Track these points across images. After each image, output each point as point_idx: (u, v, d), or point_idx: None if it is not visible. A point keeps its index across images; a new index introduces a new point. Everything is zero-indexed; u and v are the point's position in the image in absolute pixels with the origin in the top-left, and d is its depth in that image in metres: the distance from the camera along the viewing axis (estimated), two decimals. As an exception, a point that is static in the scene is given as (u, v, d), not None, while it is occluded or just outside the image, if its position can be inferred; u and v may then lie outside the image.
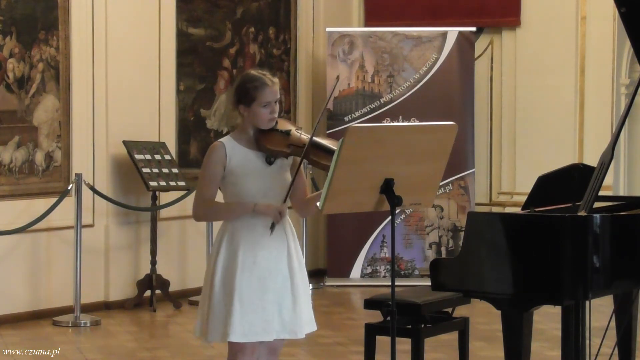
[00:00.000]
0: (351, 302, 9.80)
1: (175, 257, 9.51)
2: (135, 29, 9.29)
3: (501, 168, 11.06)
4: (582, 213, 4.92)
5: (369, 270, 10.53)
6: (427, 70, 10.53)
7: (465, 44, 10.57)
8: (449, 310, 6.09)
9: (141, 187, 9.07)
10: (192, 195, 9.03)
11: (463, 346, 6.13)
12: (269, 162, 4.78)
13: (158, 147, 9.34)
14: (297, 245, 4.90)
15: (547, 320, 7.94)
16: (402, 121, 10.30)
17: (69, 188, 8.62)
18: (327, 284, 10.41)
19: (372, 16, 11.28)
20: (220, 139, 4.86)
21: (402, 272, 10.44)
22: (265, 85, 4.74)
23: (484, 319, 8.05)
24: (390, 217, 4.52)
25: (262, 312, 4.71)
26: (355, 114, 10.50)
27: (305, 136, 4.77)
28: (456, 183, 10.51)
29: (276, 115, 4.79)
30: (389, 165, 4.48)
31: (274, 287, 4.75)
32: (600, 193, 5.13)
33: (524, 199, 5.54)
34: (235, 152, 4.76)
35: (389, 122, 10.19)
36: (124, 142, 9.10)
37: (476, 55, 10.85)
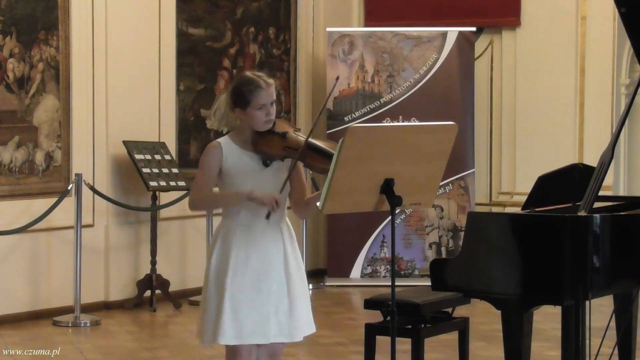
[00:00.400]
0: (351, 302, 9.80)
1: (175, 257, 9.51)
2: (135, 29, 9.29)
3: (501, 168, 11.07)
4: (582, 213, 4.92)
5: (369, 270, 10.54)
6: (427, 70, 10.53)
7: (465, 44, 10.57)
8: (449, 310, 6.09)
9: (141, 187, 9.07)
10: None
11: (463, 346, 6.13)
12: (265, 164, 4.76)
13: (158, 147, 9.34)
14: (294, 246, 4.86)
15: (547, 320, 7.94)
16: (402, 121, 10.29)
17: (69, 188, 8.62)
18: (327, 284, 10.41)
19: (372, 16, 11.28)
20: (218, 139, 4.84)
21: (402, 272, 10.44)
22: (259, 88, 4.71)
23: (484, 319, 8.05)
24: (390, 217, 4.52)
25: (255, 313, 4.67)
26: (355, 114, 10.50)
27: (302, 138, 4.73)
28: (456, 183, 10.51)
29: (272, 117, 4.76)
30: (389, 165, 4.48)
31: (269, 289, 4.71)
32: (600, 193, 5.14)
33: (524, 199, 5.54)
34: (231, 153, 4.75)
35: (389, 122, 10.19)
36: (124, 142, 9.10)
37: (476, 55, 10.85)
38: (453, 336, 6.20)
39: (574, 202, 5.36)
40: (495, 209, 10.75)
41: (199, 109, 9.91)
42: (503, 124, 11.05)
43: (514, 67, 10.96)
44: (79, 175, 8.60)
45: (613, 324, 5.62)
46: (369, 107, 10.53)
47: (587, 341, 5.13)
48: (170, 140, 9.59)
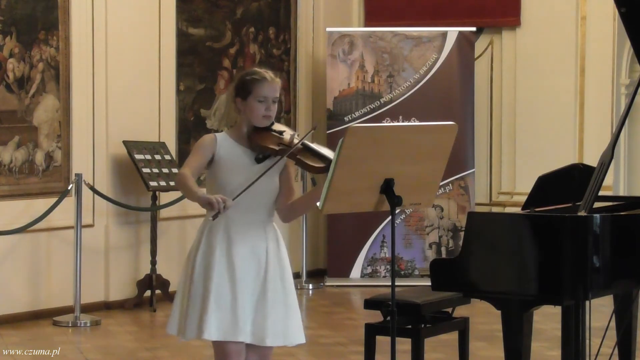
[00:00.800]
0: (351, 302, 9.80)
1: (175, 257, 9.50)
2: (135, 29, 9.29)
3: (501, 168, 11.07)
4: (582, 213, 4.92)
5: (369, 270, 10.54)
6: (427, 70, 10.53)
7: (465, 44, 10.58)
8: (449, 310, 6.09)
9: (141, 187, 9.07)
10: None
11: (463, 346, 6.13)
12: (258, 161, 4.71)
13: (158, 147, 9.34)
14: (280, 249, 4.82)
15: (547, 320, 7.94)
16: (402, 121, 10.30)
17: (69, 188, 8.62)
18: (327, 284, 10.41)
19: (372, 16, 11.28)
20: (215, 133, 4.80)
21: (402, 272, 10.44)
22: (264, 79, 4.70)
23: (484, 319, 8.05)
24: (390, 217, 4.51)
25: (232, 310, 4.62)
26: (355, 114, 10.50)
27: (297, 139, 4.71)
28: (456, 183, 10.51)
29: (272, 114, 4.73)
30: (389, 165, 4.48)
31: (246, 288, 4.66)
32: (600, 193, 5.14)
33: (524, 199, 5.54)
34: (225, 145, 4.72)
35: (389, 122, 10.19)
36: (124, 142, 9.10)
37: (476, 55, 10.85)
38: (453, 336, 6.20)
39: (574, 202, 5.37)
40: (495, 209, 10.75)
41: (199, 109, 9.92)
42: (503, 124, 11.05)
43: (514, 67, 10.96)
44: (79, 175, 8.60)
45: (613, 324, 5.62)
46: (369, 107, 10.53)
47: (587, 341, 5.13)
48: (170, 140, 9.59)
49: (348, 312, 9.31)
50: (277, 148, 4.68)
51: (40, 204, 8.53)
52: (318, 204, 4.45)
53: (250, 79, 4.71)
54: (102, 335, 8.18)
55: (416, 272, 10.44)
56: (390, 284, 4.58)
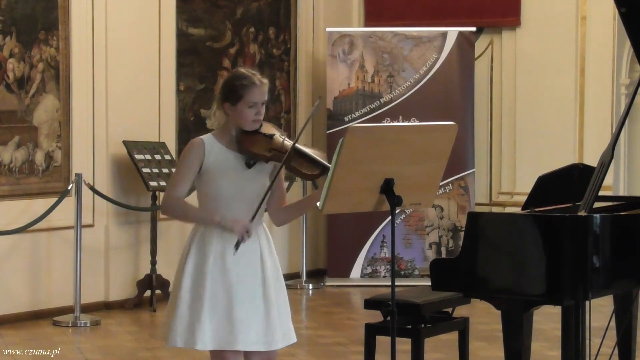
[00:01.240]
0: (351, 302, 9.80)
1: (175, 257, 9.41)
2: (135, 29, 9.29)
3: (501, 168, 11.07)
4: (582, 213, 4.92)
5: (369, 270, 10.54)
6: (427, 70, 10.53)
7: (465, 44, 10.57)
8: (449, 310, 6.09)
9: (141, 187, 9.08)
10: (192, 195, 9.07)
11: (463, 346, 6.13)
12: (248, 165, 4.64)
13: (158, 147, 9.34)
14: (272, 251, 4.74)
15: (547, 320, 7.94)
16: (402, 121, 10.30)
17: (69, 188, 8.62)
18: (327, 284, 10.41)
19: (372, 16, 11.28)
20: (201, 136, 4.73)
21: (402, 272, 10.44)
22: (253, 84, 4.61)
23: (484, 319, 8.05)
24: (390, 217, 4.51)
25: (227, 319, 4.55)
26: (355, 114, 10.50)
27: (288, 142, 4.64)
28: (456, 183, 10.51)
29: (261, 117, 4.65)
30: (389, 165, 4.47)
31: (243, 294, 4.59)
32: (600, 193, 5.14)
33: (524, 199, 5.54)
34: (214, 150, 4.64)
35: (389, 122, 10.19)
36: (124, 142, 9.10)
37: (476, 55, 10.85)
38: (453, 336, 6.20)
39: (574, 202, 5.37)
40: (495, 209, 10.75)
41: (199, 109, 9.92)
42: (503, 124, 11.05)
43: (514, 67, 10.96)
44: (79, 175, 8.60)
45: (613, 324, 5.62)
46: (369, 107, 10.53)
47: (587, 341, 5.13)
48: (170, 140, 9.59)
49: (348, 312, 9.31)
50: (268, 154, 4.62)
51: (40, 204, 8.53)
52: (318, 204, 4.43)
53: (239, 84, 4.62)
54: (102, 335, 8.18)
55: (416, 272, 10.44)
56: (390, 284, 4.58)
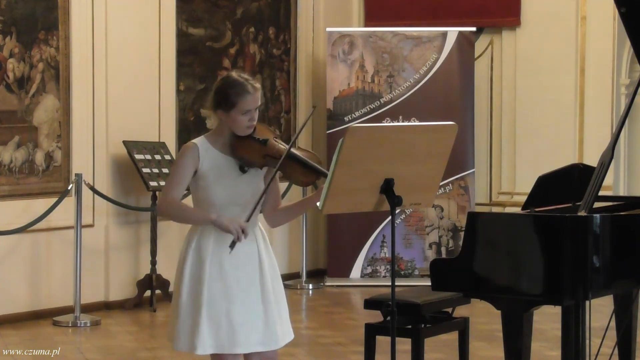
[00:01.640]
0: (351, 302, 9.80)
1: (175, 257, 9.40)
2: (135, 29, 9.29)
3: (501, 168, 11.07)
4: (582, 213, 4.92)
5: (369, 270, 10.53)
6: (427, 70, 10.53)
7: (465, 44, 10.58)
8: (449, 310, 6.09)
9: (141, 187, 9.08)
10: (187, 199, 9.07)
11: (463, 346, 6.13)
12: (243, 170, 4.62)
13: (158, 147, 9.34)
14: (269, 252, 4.74)
15: (547, 320, 7.94)
16: (402, 121, 10.30)
17: (69, 188, 8.62)
18: (327, 284, 10.41)
19: (372, 16, 11.28)
20: (194, 140, 4.69)
21: (402, 272, 10.44)
22: (246, 92, 4.56)
23: (484, 319, 8.05)
24: (390, 217, 4.51)
25: (228, 323, 4.56)
26: (355, 114, 10.50)
27: (282, 146, 4.63)
28: (456, 183, 10.51)
29: (254, 123, 4.62)
30: (389, 165, 4.47)
31: (242, 297, 4.60)
32: (600, 193, 5.14)
33: (524, 199, 5.54)
34: (208, 155, 4.63)
35: (389, 122, 10.19)
36: (124, 142, 9.10)
37: (476, 55, 10.85)
38: (453, 336, 6.20)
39: (574, 202, 5.36)
40: (495, 209, 10.75)
41: (199, 109, 9.91)
42: (503, 124, 11.05)
43: (514, 67, 10.96)
44: (79, 175, 8.60)
45: (613, 324, 5.62)
46: (369, 107, 10.53)
47: (587, 341, 5.13)
48: (170, 140, 9.59)
49: (348, 312, 9.31)
50: (262, 160, 4.61)
51: (40, 204, 8.53)
52: (318, 204, 4.43)
53: (232, 92, 4.57)
54: (102, 335, 8.18)
55: (416, 272, 10.44)
56: (390, 284, 4.58)
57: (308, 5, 10.94)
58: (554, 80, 10.75)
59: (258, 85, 4.64)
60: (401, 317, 5.68)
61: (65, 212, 8.59)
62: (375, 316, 5.93)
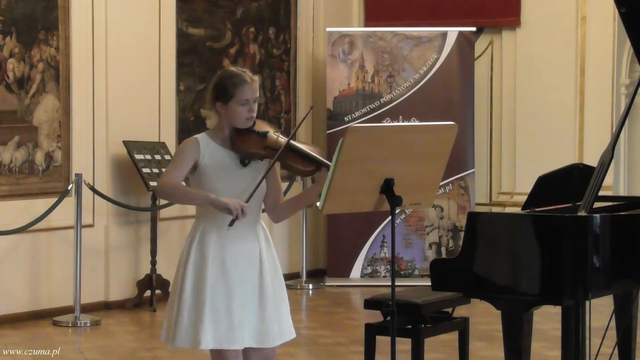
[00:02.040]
0: (351, 302, 9.80)
1: (175, 257, 9.40)
2: (135, 29, 9.29)
3: (501, 168, 11.07)
4: (582, 213, 4.92)
5: (369, 270, 10.53)
6: (427, 70, 10.53)
7: (465, 44, 10.57)
8: (449, 310, 6.09)
9: (141, 187, 9.08)
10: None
11: (463, 346, 6.13)
12: (243, 164, 4.64)
13: (158, 147, 9.35)
14: (271, 249, 4.75)
15: (547, 320, 7.94)
16: (402, 121, 10.30)
17: (69, 188, 8.62)
18: (327, 284, 10.41)
19: (372, 16, 11.28)
20: (196, 135, 4.72)
21: (402, 272, 10.44)
22: (244, 82, 4.62)
23: (484, 319, 8.05)
24: (390, 217, 4.51)
25: (227, 319, 4.57)
26: (355, 114, 10.50)
27: (282, 139, 4.65)
28: (456, 183, 10.51)
29: (254, 115, 4.65)
30: (389, 165, 4.47)
31: (242, 293, 4.61)
32: (600, 193, 5.14)
33: (524, 199, 5.54)
34: (209, 150, 4.64)
35: (389, 122, 10.19)
36: (124, 142, 9.10)
37: (476, 55, 10.85)
38: (453, 336, 6.20)
39: (574, 202, 5.37)
40: (495, 209, 10.75)
41: (199, 109, 9.91)
42: (503, 124, 11.05)
43: (514, 67, 10.96)
44: (79, 175, 8.60)
45: (613, 324, 5.62)
46: (369, 107, 10.53)
47: (587, 341, 5.13)
48: (170, 140, 9.59)
49: (348, 312, 9.31)
50: (262, 152, 4.63)
51: (40, 204, 8.53)
52: (318, 204, 4.44)
53: (229, 82, 4.62)
54: (102, 335, 8.18)
55: (416, 272, 10.44)
56: (390, 284, 4.58)
57: (308, 5, 10.94)
58: (554, 80, 10.75)
59: (256, 77, 4.69)
60: (401, 317, 5.68)
61: (65, 212, 8.59)
62: (375, 316, 5.93)
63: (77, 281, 8.49)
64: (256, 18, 10.46)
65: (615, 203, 5.81)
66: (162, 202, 9.25)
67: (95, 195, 8.85)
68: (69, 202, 8.57)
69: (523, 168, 10.76)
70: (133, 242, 9.31)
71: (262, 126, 4.71)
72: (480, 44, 11.05)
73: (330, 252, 10.69)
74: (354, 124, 4.62)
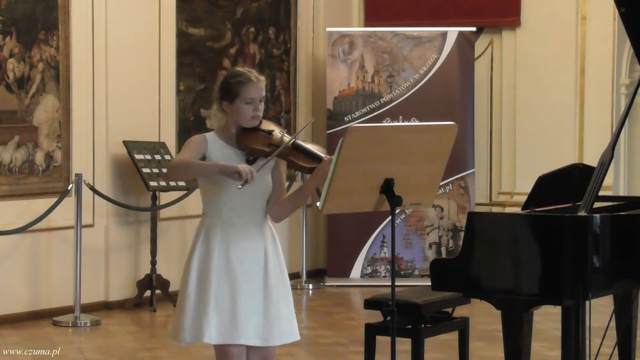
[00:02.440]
0: (351, 302, 9.80)
1: (175, 257, 9.50)
2: (135, 29, 9.29)
3: (501, 168, 11.07)
4: (582, 213, 4.92)
5: (369, 270, 10.54)
6: (427, 70, 10.53)
7: (465, 44, 10.57)
8: (449, 310, 6.09)
9: (141, 187, 9.07)
10: (192, 195, 9.08)
11: (463, 346, 6.13)
12: (249, 161, 4.68)
13: (158, 147, 9.34)
14: (277, 248, 4.78)
15: (547, 320, 7.94)
16: (402, 121, 10.30)
17: (69, 188, 8.62)
18: (327, 284, 10.41)
19: (372, 16, 11.28)
20: (203, 133, 4.76)
21: (402, 272, 10.44)
22: (249, 81, 4.65)
23: (484, 319, 8.05)
24: (390, 217, 4.51)
25: (232, 314, 4.60)
26: (355, 114, 10.50)
27: (287, 138, 4.69)
28: (456, 183, 10.51)
29: (260, 114, 4.69)
30: (389, 165, 4.48)
31: (247, 290, 4.64)
32: (600, 193, 5.14)
33: (524, 199, 5.54)
34: (215, 147, 4.69)
35: (389, 122, 10.19)
36: (124, 142, 9.10)
37: (476, 55, 10.85)
38: (453, 336, 6.20)
39: (574, 202, 5.37)
40: (495, 209, 10.75)
41: (199, 109, 9.92)
42: (503, 124, 11.05)
43: (514, 67, 10.96)
44: (79, 175, 8.60)
45: (613, 324, 5.62)
46: (369, 107, 10.53)
47: (587, 341, 5.13)
48: (170, 140, 9.59)
49: (348, 312, 9.31)
50: (267, 150, 4.66)
51: (40, 204, 8.53)
52: (318, 204, 4.45)
53: (235, 81, 4.66)
54: (102, 335, 8.18)
55: (416, 272, 10.44)
56: (390, 284, 4.58)
57: (308, 5, 10.94)
58: (554, 80, 10.76)
59: (262, 77, 4.73)
60: (401, 317, 5.68)
61: (65, 212, 8.59)
62: (375, 316, 5.93)
63: (77, 281, 8.49)
64: (256, 18, 10.46)
65: (615, 203, 5.81)
66: (162, 202, 9.25)
67: (95, 195, 8.85)
68: (69, 202, 8.57)
69: (523, 168, 10.76)
70: (133, 242, 9.31)
71: (268, 125, 4.76)
72: (480, 44, 11.05)
73: (330, 252, 10.70)
74: (354, 124, 4.62)
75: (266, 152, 4.66)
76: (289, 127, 10.73)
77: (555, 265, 4.81)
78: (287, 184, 4.99)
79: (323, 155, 4.63)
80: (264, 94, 4.71)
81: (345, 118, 10.48)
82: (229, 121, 4.73)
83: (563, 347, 5.37)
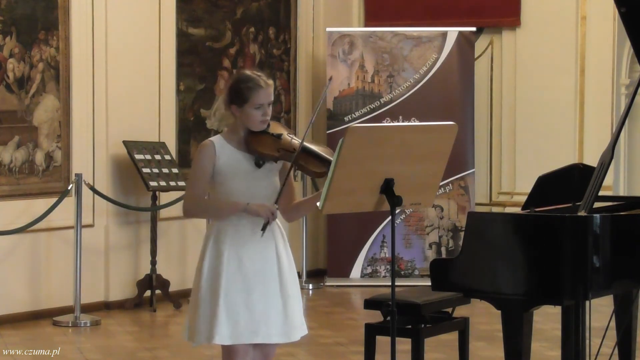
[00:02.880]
0: (351, 302, 9.80)
1: (175, 257, 9.51)
2: (135, 29, 9.29)
3: (501, 168, 11.07)
4: (582, 213, 4.92)
5: (369, 270, 10.54)
6: (427, 70, 10.53)
7: (465, 44, 10.57)
8: (449, 310, 6.09)
9: (141, 187, 9.07)
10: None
11: (463, 346, 6.13)
12: (258, 165, 4.72)
13: (158, 147, 9.34)
14: (286, 246, 4.84)
15: (547, 320, 7.94)
16: (402, 121, 10.30)
17: (69, 188, 8.62)
18: (327, 284, 10.41)
19: (372, 16, 11.28)
20: (211, 138, 4.81)
21: (402, 272, 10.44)
22: (259, 86, 4.68)
23: (484, 319, 8.05)
24: (390, 217, 4.52)
25: (248, 313, 4.64)
26: (355, 114, 10.50)
27: (296, 141, 4.71)
28: (456, 183, 10.51)
29: (268, 118, 4.73)
30: (389, 165, 4.48)
31: (261, 289, 4.68)
32: (600, 193, 5.14)
33: (524, 199, 5.54)
34: (224, 152, 4.71)
35: (389, 122, 10.19)
36: (124, 142, 9.10)
37: (476, 55, 10.85)
38: (453, 336, 6.20)
39: (574, 202, 5.37)
40: (495, 209, 10.75)
41: (199, 109, 9.92)
42: (503, 124, 11.05)
43: (514, 67, 10.96)
44: (79, 175, 8.60)
45: (613, 324, 5.62)
46: (369, 107, 10.53)
47: (587, 341, 5.13)
48: (170, 140, 9.59)
49: (348, 312, 9.31)
50: (277, 154, 4.70)
51: (40, 204, 8.53)
52: (318, 204, 4.45)
53: (245, 87, 4.69)
54: (102, 335, 8.18)
55: (416, 272, 10.44)
56: (390, 284, 4.58)
57: (308, 5, 10.94)
58: (554, 80, 10.75)
59: (270, 81, 4.76)
60: (401, 317, 5.68)
61: (65, 212, 8.59)
62: (375, 316, 5.93)
63: (77, 281, 8.49)
64: (256, 18, 10.46)
65: (615, 203, 5.81)
66: (162, 202, 9.25)
67: (95, 195, 8.85)
68: (69, 202, 8.57)
69: (523, 168, 10.76)
70: (133, 242, 9.31)
71: (277, 128, 4.78)
72: (480, 44, 11.05)
73: (330, 252, 10.70)
74: (354, 124, 4.63)
75: (275, 156, 4.71)
76: (289, 127, 10.71)
77: (555, 265, 4.81)
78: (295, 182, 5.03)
79: (331, 159, 4.63)
80: (272, 98, 4.75)
81: (345, 118, 10.48)
82: (237, 124, 4.77)
83: (563, 347, 5.37)
